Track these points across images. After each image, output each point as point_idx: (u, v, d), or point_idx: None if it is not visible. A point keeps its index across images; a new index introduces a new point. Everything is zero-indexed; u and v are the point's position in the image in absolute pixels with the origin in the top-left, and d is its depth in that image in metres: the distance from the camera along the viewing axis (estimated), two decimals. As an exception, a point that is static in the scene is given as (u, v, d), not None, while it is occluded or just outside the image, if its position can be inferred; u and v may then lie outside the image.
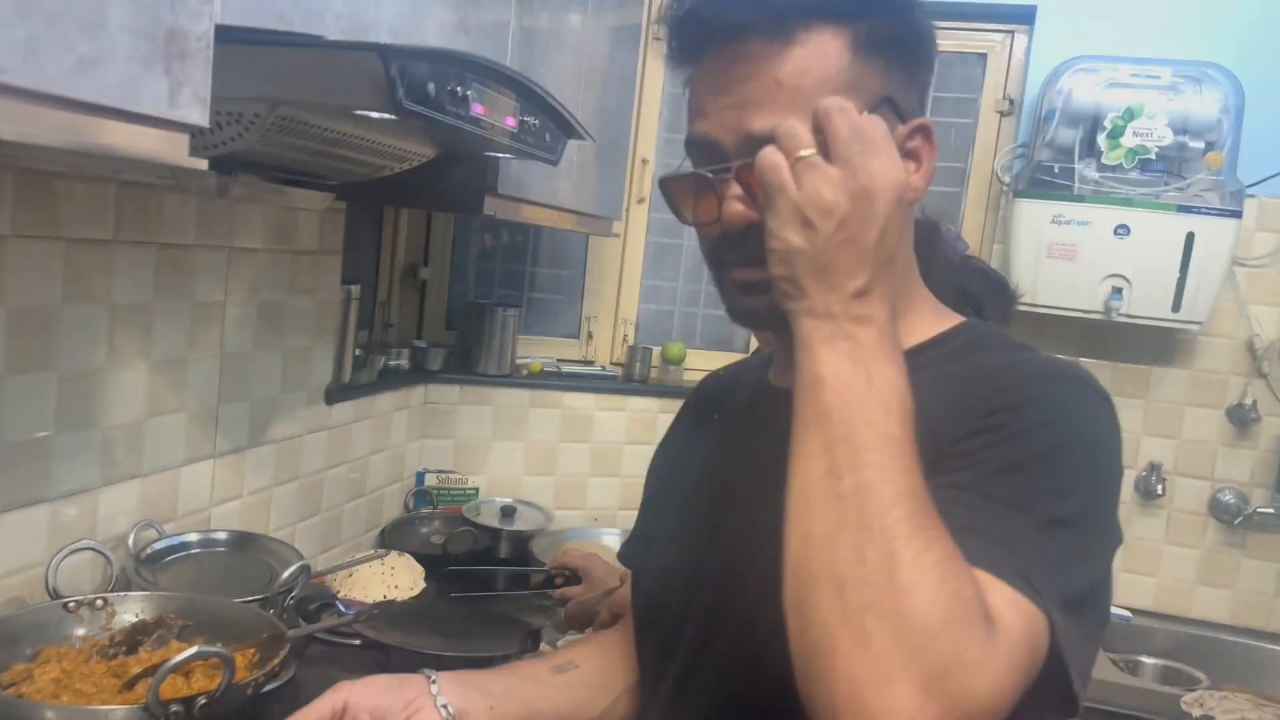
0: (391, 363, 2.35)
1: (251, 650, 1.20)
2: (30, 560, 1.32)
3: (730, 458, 0.90)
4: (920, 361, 0.75)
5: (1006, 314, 1.51)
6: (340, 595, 1.77)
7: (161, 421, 1.54)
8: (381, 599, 1.72)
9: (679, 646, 0.89)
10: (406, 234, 2.49)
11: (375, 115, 1.12)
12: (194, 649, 1.02)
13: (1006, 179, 2.48)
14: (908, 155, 0.78)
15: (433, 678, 0.92)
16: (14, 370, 1.26)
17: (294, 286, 1.83)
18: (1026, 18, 2.51)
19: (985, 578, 0.63)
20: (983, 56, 2.59)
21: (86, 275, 1.35)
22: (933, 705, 0.57)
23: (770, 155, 0.68)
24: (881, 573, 0.60)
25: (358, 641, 1.57)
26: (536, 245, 2.76)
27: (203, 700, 1.05)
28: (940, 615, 0.58)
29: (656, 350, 2.65)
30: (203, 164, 0.94)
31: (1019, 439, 0.71)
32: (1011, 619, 0.62)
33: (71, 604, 1.25)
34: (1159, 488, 2.41)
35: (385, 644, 1.50)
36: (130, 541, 1.45)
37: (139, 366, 1.48)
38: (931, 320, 0.86)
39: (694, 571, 0.88)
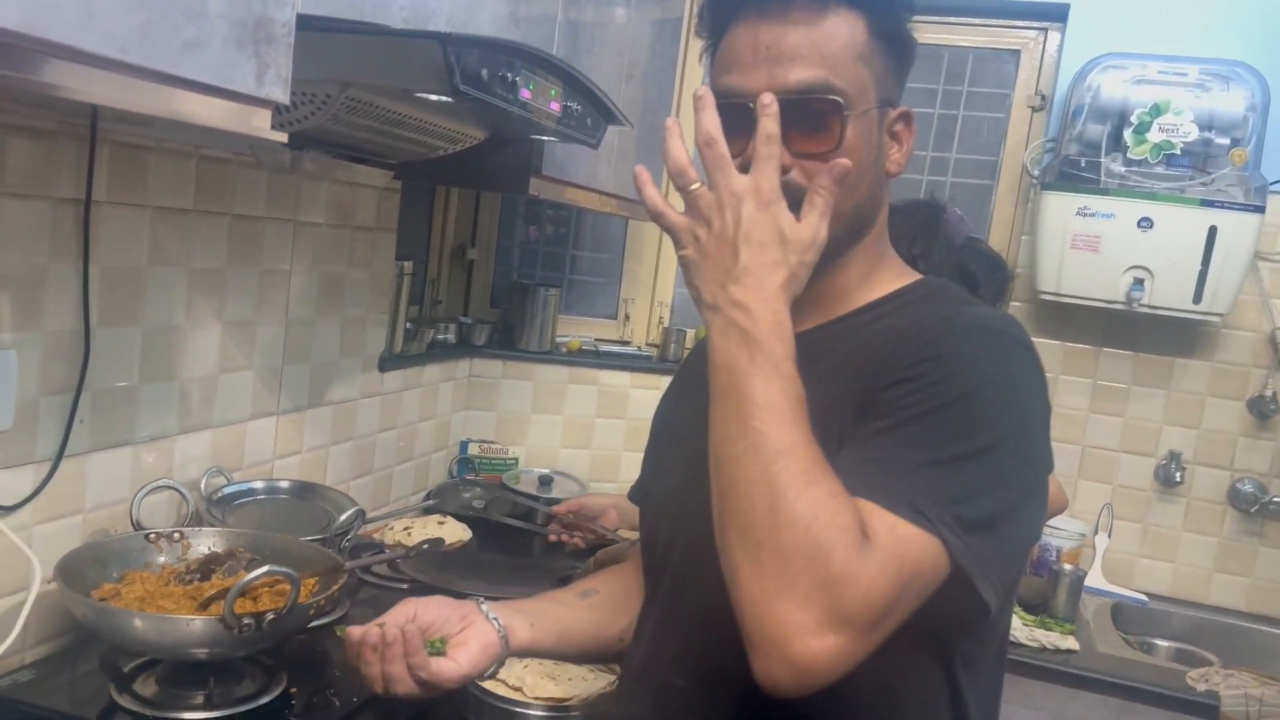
0: (439, 336, 2.48)
1: (313, 580, 1.33)
2: (115, 497, 1.47)
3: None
4: (871, 315, 0.94)
5: (1001, 291, 1.62)
6: (390, 545, 1.90)
7: (232, 378, 1.68)
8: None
9: (663, 581, 1.02)
10: (456, 216, 2.62)
11: (433, 97, 1.24)
12: (265, 568, 1.15)
13: (1035, 172, 2.55)
14: (893, 137, 0.95)
15: (482, 600, 1.07)
16: (105, 324, 1.40)
17: (352, 260, 1.97)
18: (1060, 16, 2.58)
19: (869, 507, 0.76)
20: (1016, 53, 2.67)
21: (168, 240, 1.49)
22: (813, 616, 0.72)
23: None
24: (768, 516, 0.75)
25: (406, 585, 1.71)
26: (578, 229, 2.88)
27: (271, 616, 1.17)
28: (814, 542, 0.73)
29: (690, 332, 2.76)
30: (283, 136, 1.06)
31: (934, 387, 0.82)
32: (886, 540, 0.75)
33: (152, 535, 1.39)
34: (1178, 476, 2.48)
35: (433, 586, 1.63)
36: (202, 485, 1.59)
37: (213, 326, 1.62)
38: (892, 279, 0.98)
39: (675, 513, 1.00)
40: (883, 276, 0.98)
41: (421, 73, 1.15)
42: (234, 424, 1.71)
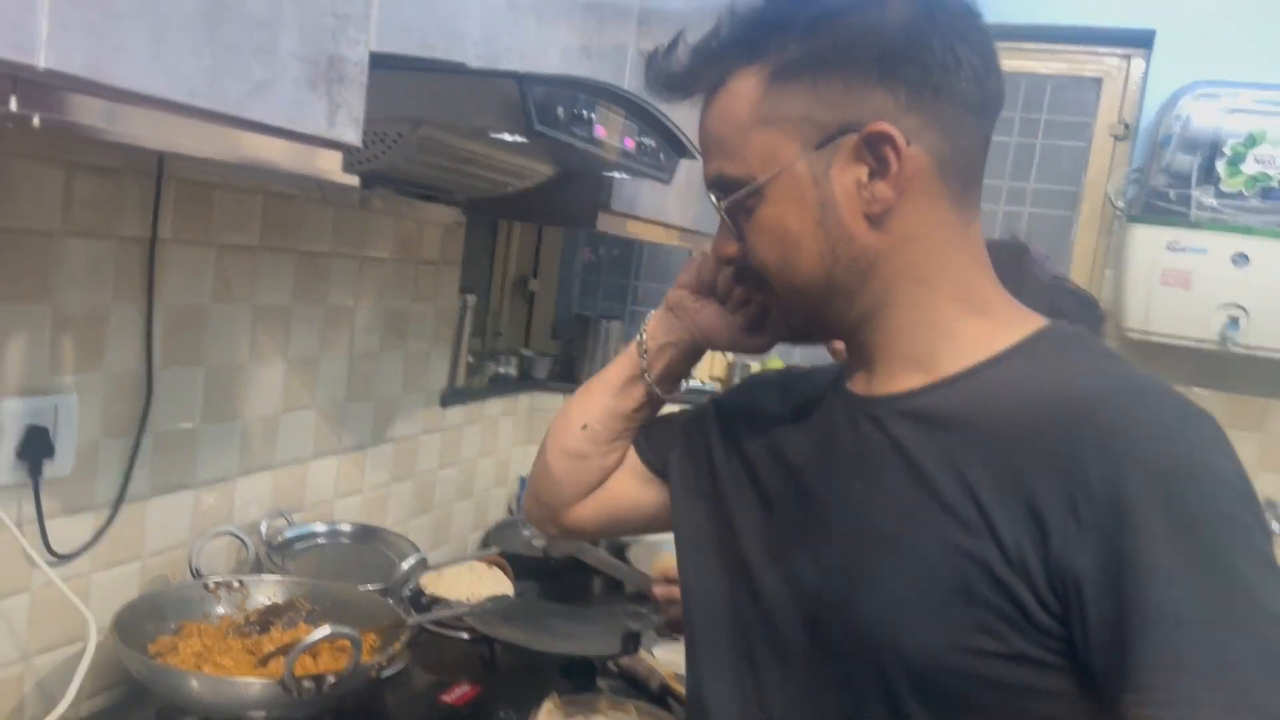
0: (500, 369, 2.43)
1: (373, 635, 1.28)
2: (174, 541, 1.43)
3: (818, 464, 0.84)
4: (997, 377, 0.74)
5: (1095, 332, 1.52)
6: (427, 592, 1.83)
7: (294, 416, 1.64)
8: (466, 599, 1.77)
9: (784, 648, 0.83)
10: (518, 247, 2.58)
11: (508, 137, 1.19)
12: (326, 629, 1.09)
13: (1120, 204, 2.44)
14: (877, 163, 0.74)
15: None
16: (168, 364, 1.37)
17: (416, 294, 1.93)
18: (1144, 41, 2.48)
19: None
20: (1098, 80, 2.56)
21: (234, 278, 1.46)
22: None
23: None
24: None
25: (466, 635, 1.65)
26: (639, 259, 2.82)
27: (332, 679, 1.12)
28: None
29: (755, 366, 2.68)
30: (355, 180, 1.02)
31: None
32: None
33: (211, 584, 1.35)
34: (1275, 525, 2.34)
35: (493, 638, 1.57)
36: (263, 529, 1.55)
37: (277, 364, 1.58)
38: (1005, 325, 0.78)
39: (783, 575, 0.84)
40: (981, 324, 0.78)
41: (497, 112, 1.10)
42: (295, 464, 1.67)
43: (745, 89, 0.78)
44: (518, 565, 1.96)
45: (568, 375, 2.59)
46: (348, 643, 1.13)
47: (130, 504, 1.34)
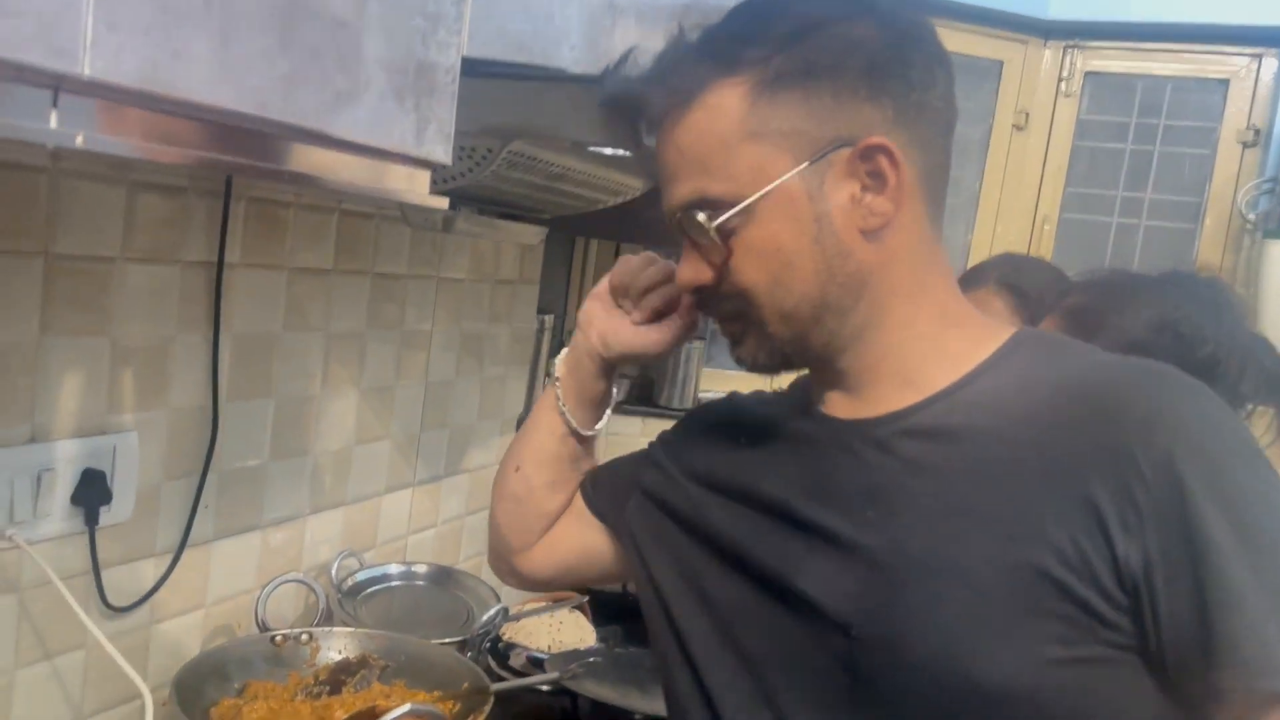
0: (578, 392, 2.31)
1: (452, 703, 1.16)
2: (240, 588, 1.33)
3: (806, 496, 0.78)
4: (985, 384, 0.74)
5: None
6: (505, 638, 1.71)
7: (368, 449, 1.53)
8: (546, 648, 1.66)
9: (816, 692, 0.75)
10: (595, 264, 2.45)
11: (608, 151, 1.06)
12: (406, 707, 0.97)
13: (1251, 216, 2.25)
14: (869, 178, 0.73)
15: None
16: (235, 397, 1.26)
17: (493, 315, 1.81)
18: (1276, 40, 2.28)
19: None
20: (1224, 82, 2.37)
21: (306, 304, 1.35)
22: None
23: None
24: None
25: (547, 687, 1.52)
26: (724, 275, 2.68)
27: (410, 757, 1.00)
28: None
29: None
30: (444, 202, 0.90)
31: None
32: None
33: (278, 638, 1.23)
34: None
35: (576, 692, 1.44)
36: (333, 571, 1.44)
37: (350, 394, 1.47)
38: (975, 336, 0.78)
39: (794, 616, 0.76)
40: (961, 335, 0.77)
41: (601, 124, 0.97)
42: (368, 499, 1.56)
43: (727, 103, 0.73)
44: (598, 604, 1.83)
45: (646, 399, 2.46)
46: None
47: (192, 549, 1.23)
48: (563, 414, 0.97)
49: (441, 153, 0.86)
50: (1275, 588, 0.62)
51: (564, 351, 0.99)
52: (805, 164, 0.72)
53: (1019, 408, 0.71)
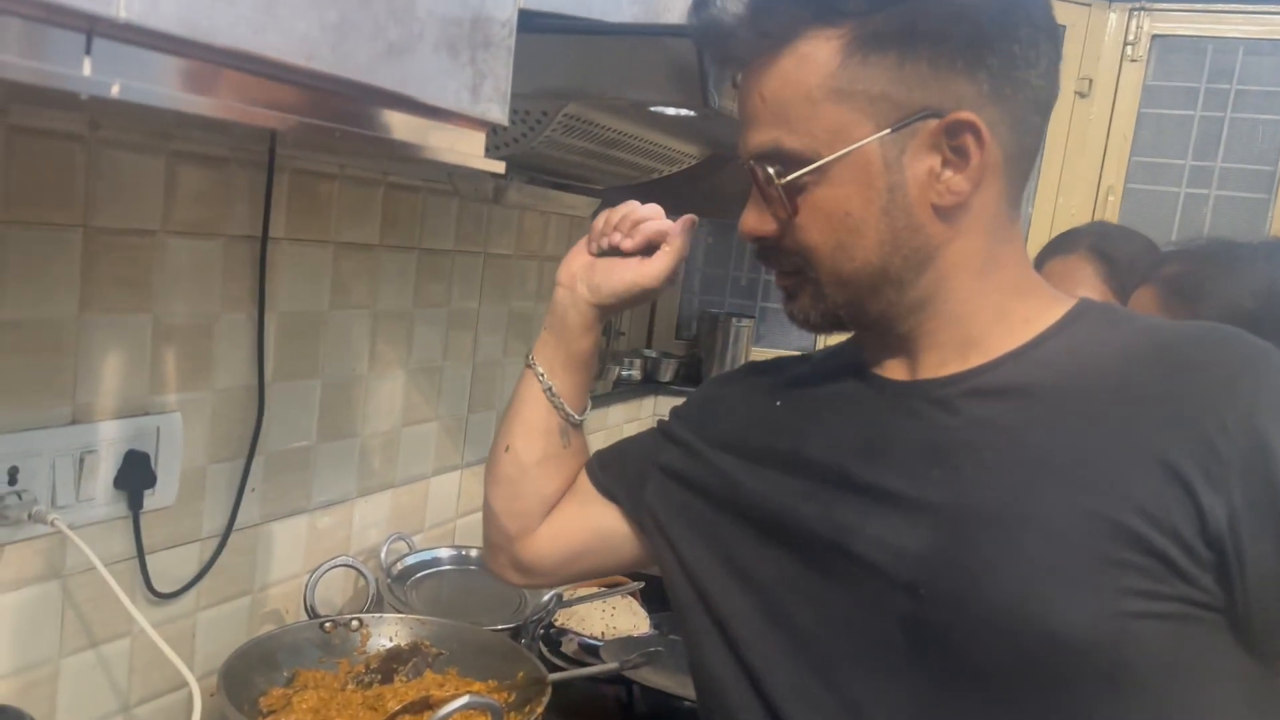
0: (624, 373, 2.26)
1: (508, 693, 1.12)
2: (288, 573, 1.29)
3: (865, 458, 0.75)
4: (1054, 346, 0.73)
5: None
6: (557, 623, 1.67)
7: (416, 430, 1.49)
8: (600, 635, 1.62)
9: (874, 657, 0.72)
10: (643, 238, 2.40)
11: (671, 111, 1.00)
12: (464, 698, 0.93)
13: (1331, 185, 2.14)
14: (952, 154, 0.70)
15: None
16: (281, 377, 1.22)
17: (540, 293, 1.76)
18: (1358, -2, 2.16)
19: None
20: (1300, 43, 2.25)
21: (352, 281, 1.31)
22: None
23: None
24: None
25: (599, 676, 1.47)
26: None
27: (466, 753, 0.96)
28: None
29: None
30: (500, 166, 0.84)
31: None
32: None
33: (328, 624, 1.19)
34: None
35: (629, 679, 1.39)
36: (383, 554, 1.40)
37: (397, 374, 1.43)
38: (1040, 306, 0.76)
39: (850, 582, 0.73)
40: (1027, 304, 0.75)
41: (664, 81, 0.91)
42: (416, 481, 1.52)
43: (819, 54, 0.70)
44: (649, 588, 1.78)
45: (695, 378, 2.41)
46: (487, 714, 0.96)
47: (239, 532, 1.19)
48: (541, 381, 0.94)
49: (498, 112, 0.80)
50: None
51: (544, 320, 0.97)
52: (887, 130, 0.70)
53: (1091, 367, 0.70)
